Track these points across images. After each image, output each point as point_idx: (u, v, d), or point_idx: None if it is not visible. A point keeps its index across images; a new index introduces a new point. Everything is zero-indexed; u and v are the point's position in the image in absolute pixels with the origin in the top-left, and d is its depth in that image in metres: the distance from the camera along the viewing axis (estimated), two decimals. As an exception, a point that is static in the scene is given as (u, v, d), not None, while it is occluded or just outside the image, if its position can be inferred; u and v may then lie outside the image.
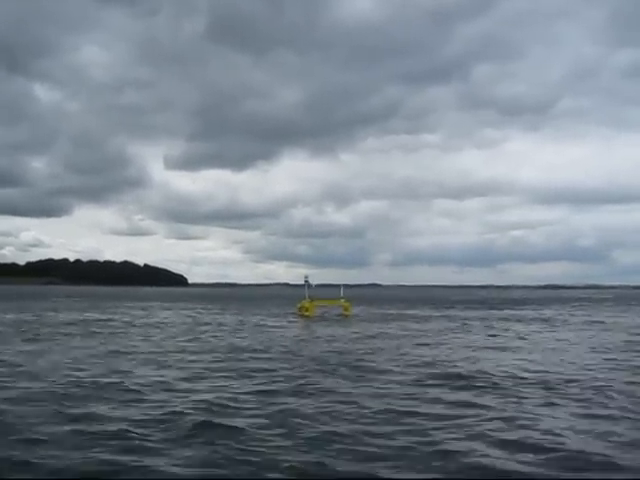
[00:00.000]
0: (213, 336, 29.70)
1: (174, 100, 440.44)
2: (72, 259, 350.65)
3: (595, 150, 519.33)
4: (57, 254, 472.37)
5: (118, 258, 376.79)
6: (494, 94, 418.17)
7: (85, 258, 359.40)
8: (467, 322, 41.85)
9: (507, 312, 58.94)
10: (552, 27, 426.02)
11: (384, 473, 8.59)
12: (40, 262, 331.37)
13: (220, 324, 38.56)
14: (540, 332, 34.09)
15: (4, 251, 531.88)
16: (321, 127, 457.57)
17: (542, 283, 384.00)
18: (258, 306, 70.72)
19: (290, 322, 42.20)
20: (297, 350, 23.90)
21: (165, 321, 41.32)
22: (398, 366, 19.10)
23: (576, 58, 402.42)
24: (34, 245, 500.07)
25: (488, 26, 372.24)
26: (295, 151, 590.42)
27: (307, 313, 46.84)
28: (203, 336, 29.72)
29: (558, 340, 28.78)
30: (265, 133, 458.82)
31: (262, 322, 41.19)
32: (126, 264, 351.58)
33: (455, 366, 19.17)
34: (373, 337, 30.15)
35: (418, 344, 26.27)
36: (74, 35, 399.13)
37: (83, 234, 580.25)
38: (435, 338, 29.62)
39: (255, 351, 23.26)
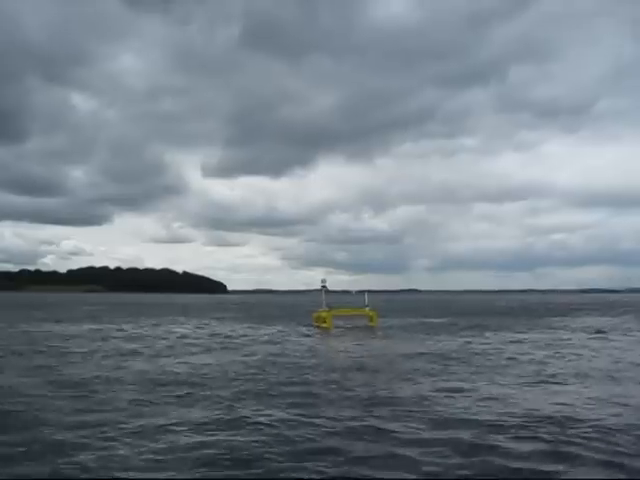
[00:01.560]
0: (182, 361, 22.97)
1: (210, 107, 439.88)
2: (112, 267, 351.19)
3: (635, 151, 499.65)
4: (98, 262, 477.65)
5: (158, 265, 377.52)
6: (531, 96, 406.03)
7: (125, 266, 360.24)
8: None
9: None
10: (589, 27, 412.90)
11: None
12: (81, 270, 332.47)
13: (221, 337, 31.95)
14: None
15: (46, 260, 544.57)
16: (357, 132, 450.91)
17: (582, 287, 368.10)
18: (281, 315, 63.73)
19: (304, 336, 35.18)
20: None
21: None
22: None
23: (614, 57, 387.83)
24: (75, 253, 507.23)
25: (524, 27, 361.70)
26: (331, 156, 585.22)
27: (324, 325, 39.71)
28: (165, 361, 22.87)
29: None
30: (301, 139, 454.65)
31: (272, 335, 34.43)
32: (165, 272, 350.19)
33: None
34: (403, 358, 22.98)
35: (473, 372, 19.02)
36: (110, 44, 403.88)
37: (123, 242, 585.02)
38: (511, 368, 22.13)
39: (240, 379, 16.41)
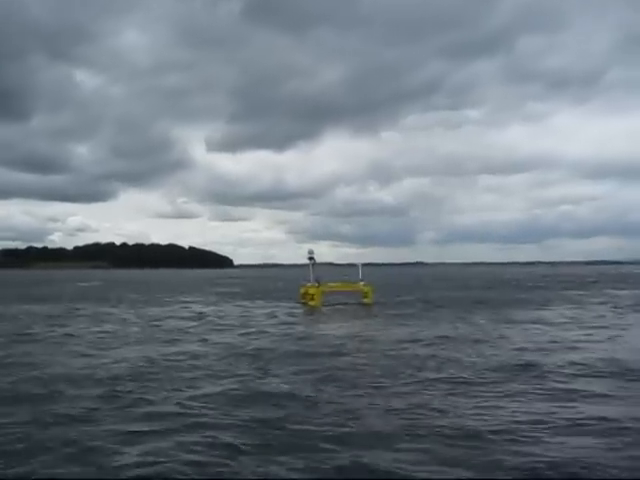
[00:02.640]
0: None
1: (215, 82, 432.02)
2: (118, 243, 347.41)
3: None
4: (104, 238, 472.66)
5: (164, 241, 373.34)
6: (540, 66, 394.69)
7: (131, 242, 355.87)
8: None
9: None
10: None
11: None
12: (87, 246, 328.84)
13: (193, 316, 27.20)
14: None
15: (53, 237, 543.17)
16: (362, 105, 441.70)
17: (590, 259, 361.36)
18: (277, 290, 58.88)
19: (289, 315, 30.41)
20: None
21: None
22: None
23: (625, 26, 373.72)
24: (81, 230, 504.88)
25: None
26: (337, 130, 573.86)
27: (312, 302, 34.74)
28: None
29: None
30: (306, 113, 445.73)
31: (254, 313, 29.69)
32: (171, 247, 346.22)
33: None
34: (397, 345, 18.10)
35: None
36: (114, 19, 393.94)
37: (129, 218, 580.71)
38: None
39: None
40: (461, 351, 16.96)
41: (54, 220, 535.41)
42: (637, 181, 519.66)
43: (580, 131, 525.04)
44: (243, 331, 22.77)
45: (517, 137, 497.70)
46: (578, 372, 13.77)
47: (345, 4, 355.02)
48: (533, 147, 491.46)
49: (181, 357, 16.28)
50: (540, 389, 11.95)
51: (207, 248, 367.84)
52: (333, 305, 35.14)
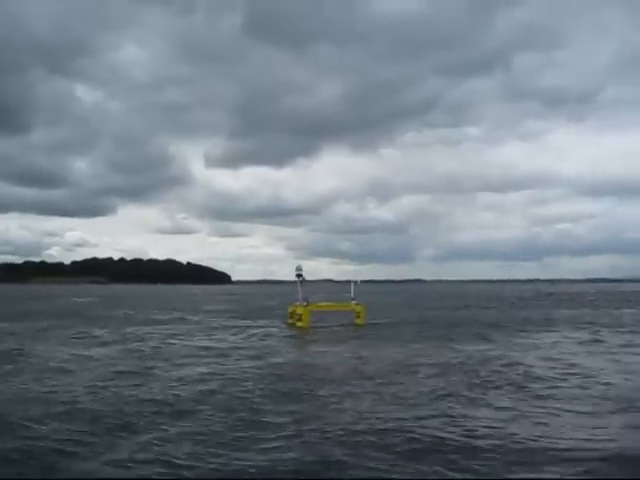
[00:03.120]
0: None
1: (214, 98, 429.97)
2: (116, 258, 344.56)
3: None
4: (103, 253, 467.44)
5: (162, 256, 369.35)
6: (537, 84, 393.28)
7: (130, 257, 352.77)
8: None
9: None
10: (596, 13, 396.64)
11: None
12: (85, 261, 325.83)
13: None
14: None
15: (51, 251, 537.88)
16: (361, 122, 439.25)
17: (588, 277, 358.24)
18: (267, 308, 56.01)
19: (272, 337, 27.73)
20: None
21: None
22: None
23: (621, 45, 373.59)
24: (80, 245, 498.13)
25: (530, 14, 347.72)
26: (335, 147, 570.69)
27: (300, 323, 31.95)
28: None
29: None
30: (305, 129, 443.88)
31: (229, 337, 26.91)
32: (170, 262, 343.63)
33: None
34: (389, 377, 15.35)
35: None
36: (113, 34, 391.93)
37: (128, 233, 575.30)
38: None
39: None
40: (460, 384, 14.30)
41: (52, 235, 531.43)
42: (634, 199, 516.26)
43: (577, 149, 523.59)
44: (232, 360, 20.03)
45: (515, 155, 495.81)
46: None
47: (343, 21, 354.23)
48: (531, 165, 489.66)
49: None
50: None
51: (205, 264, 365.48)
52: (323, 327, 32.45)
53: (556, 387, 14.44)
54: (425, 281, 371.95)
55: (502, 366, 17.68)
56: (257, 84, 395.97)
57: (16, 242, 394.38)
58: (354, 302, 34.52)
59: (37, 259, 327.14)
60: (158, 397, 13.18)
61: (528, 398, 13.08)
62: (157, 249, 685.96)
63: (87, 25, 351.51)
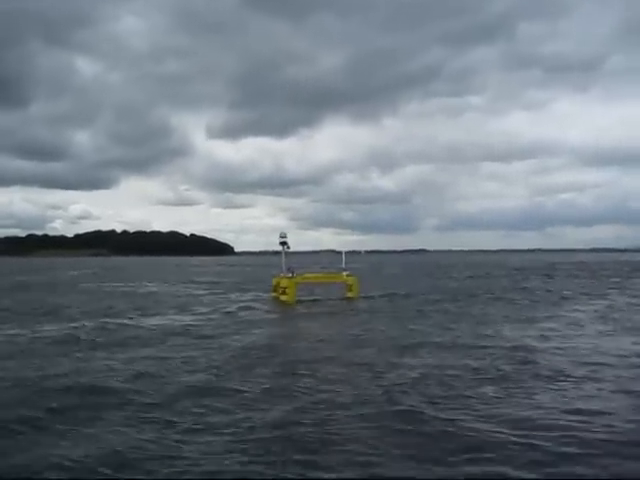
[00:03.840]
0: None
1: (214, 68, 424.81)
2: (119, 230, 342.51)
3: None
4: (106, 225, 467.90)
5: (165, 228, 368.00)
6: (540, 53, 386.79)
7: (133, 229, 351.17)
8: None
9: None
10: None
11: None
12: (88, 234, 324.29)
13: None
14: None
15: (54, 224, 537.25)
16: (363, 92, 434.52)
17: (592, 246, 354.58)
18: (261, 281, 52.88)
19: (253, 311, 24.72)
20: None
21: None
22: None
23: (625, 13, 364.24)
24: (83, 217, 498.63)
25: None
26: (337, 117, 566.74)
27: (284, 297, 28.76)
28: None
29: None
30: (306, 99, 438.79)
31: (212, 312, 23.85)
32: (173, 234, 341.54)
33: None
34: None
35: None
36: (112, 5, 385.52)
37: (131, 205, 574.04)
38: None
39: None
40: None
41: (55, 208, 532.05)
42: (638, 168, 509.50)
43: (581, 118, 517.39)
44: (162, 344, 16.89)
45: (518, 124, 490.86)
46: None
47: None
48: (534, 134, 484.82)
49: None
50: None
51: (209, 235, 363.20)
52: (310, 301, 29.40)
53: None
54: (428, 251, 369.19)
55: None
56: (257, 55, 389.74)
57: (19, 215, 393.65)
58: (345, 273, 31.25)
59: (40, 232, 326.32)
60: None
61: None
62: (160, 221, 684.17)
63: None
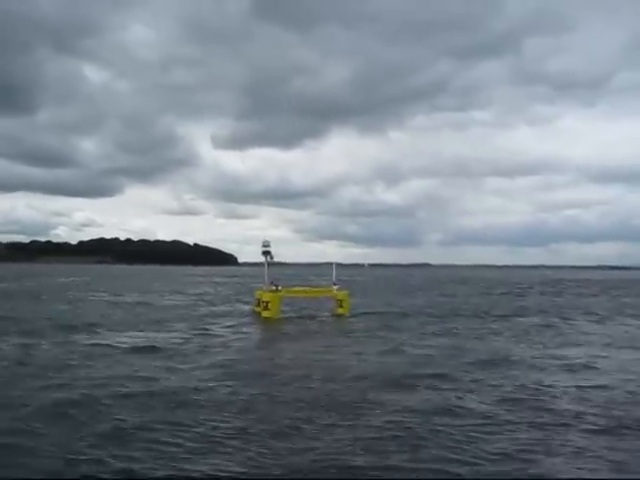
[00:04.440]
0: None
1: (221, 79, 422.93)
2: (123, 238, 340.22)
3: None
4: (109, 233, 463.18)
5: (169, 237, 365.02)
6: (547, 68, 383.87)
7: (137, 237, 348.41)
8: None
9: None
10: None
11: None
12: (92, 241, 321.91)
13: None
14: None
15: (58, 231, 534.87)
16: (369, 104, 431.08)
17: (596, 263, 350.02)
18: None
19: (229, 329, 22.10)
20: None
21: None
22: None
23: (633, 30, 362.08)
24: (87, 225, 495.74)
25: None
26: (343, 129, 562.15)
27: (266, 313, 25.92)
28: None
29: None
30: (313, 111, 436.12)
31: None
32: (176, 243, 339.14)
33: None
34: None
35: None
36: (120, 14, 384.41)
37: (135, 214, 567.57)
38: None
39: None
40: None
41: (59, 214, 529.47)
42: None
43: (587, 134, 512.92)
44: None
45: (524, 140, 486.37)
46: None
47: (352, 2, 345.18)
48: (540, 150, 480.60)
49: None
50: None
51: (212, 245, 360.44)
52: (297, 318, 26.76)
53: None
54: (432, 265, 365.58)
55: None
56: (265, 65, 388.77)
57: (23, 221, 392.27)
58: (336, 287, 28.56)
59: (44, 239, 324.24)
60: None
61: None
62: (164, 230, 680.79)
63: (95, 4, 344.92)
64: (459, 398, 10.75)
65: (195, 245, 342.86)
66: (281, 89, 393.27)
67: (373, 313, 29.06)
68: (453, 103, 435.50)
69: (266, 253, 26.66)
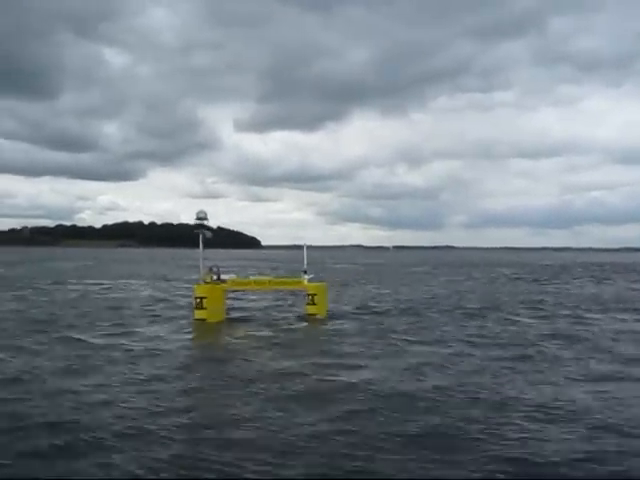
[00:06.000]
0: None
1: (243, 62, 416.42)
2: (147, 222, 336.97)
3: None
4: (133, 217, 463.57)
5: (192, 221, 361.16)
6: (571, 48, 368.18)
7: (160, 221, 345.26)
8: None
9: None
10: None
11: None
12: (115, 225, 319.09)
13: None
14: None
15: (83, 215, 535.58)
16: (391, 86, 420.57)
17: (622, 245, 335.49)
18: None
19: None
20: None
21: None
22: None
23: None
24: (111, 209, 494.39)
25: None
26: (365, 111, 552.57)
27: (200, 313, 18.83)
28: None
29: None
30: (335, 93, 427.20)
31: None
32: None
33: None
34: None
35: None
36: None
37: (158, 197, 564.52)
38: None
39: None
40: None
41: (84, 199, 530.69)
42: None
43: (612, 115, 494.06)
44: None
45: (548, 121, 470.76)
46: None
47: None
48: (564, 131, 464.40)
49: None
50: None
51: (235, 228, 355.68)
52: (249, 319, 19.91)
53: None
54: (456, 248, 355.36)
55: None
56: (286, 48, 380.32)
57: (48, 206, 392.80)
58: (307, 277, 21.21)
59: (69, 223, 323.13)
60: None
61: None
62: (187, 213, 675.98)
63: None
64: None
65: (218, 228, 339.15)
66: (302, 71, 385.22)
67: (373, 312, 22.03)
68: (475, 84, 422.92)
69: (199, 227, 19.82)
